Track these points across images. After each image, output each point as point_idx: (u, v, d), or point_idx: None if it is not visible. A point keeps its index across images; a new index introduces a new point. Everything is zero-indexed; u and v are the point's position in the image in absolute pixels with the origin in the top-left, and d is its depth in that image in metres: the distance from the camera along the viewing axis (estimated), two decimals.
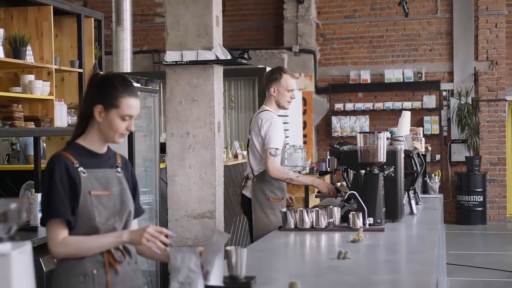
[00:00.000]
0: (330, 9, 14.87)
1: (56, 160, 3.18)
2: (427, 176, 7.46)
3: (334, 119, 14.67)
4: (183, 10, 6.04)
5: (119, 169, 3.35)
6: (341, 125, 14.65)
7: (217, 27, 6.10)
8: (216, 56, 5.93)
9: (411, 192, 5.73)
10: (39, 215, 5.52)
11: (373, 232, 4.66)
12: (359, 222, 4.72)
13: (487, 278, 9.25)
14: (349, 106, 14.60)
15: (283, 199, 5.92)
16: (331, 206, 4.94)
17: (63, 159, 3.18)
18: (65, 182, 3.14)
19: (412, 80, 14.44)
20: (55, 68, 6.28)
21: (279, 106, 5.95)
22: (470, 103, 14.02)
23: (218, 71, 6.16)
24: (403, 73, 14.46)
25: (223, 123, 6.40)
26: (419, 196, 6.29)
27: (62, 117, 6.36)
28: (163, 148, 6.74)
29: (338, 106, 14.66)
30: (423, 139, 7.78)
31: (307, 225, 4.77)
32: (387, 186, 5.03)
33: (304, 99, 14.09)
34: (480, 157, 14.09)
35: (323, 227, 4.76)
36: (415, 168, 5.72)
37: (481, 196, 13.92)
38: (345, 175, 5.50)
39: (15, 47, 5.86)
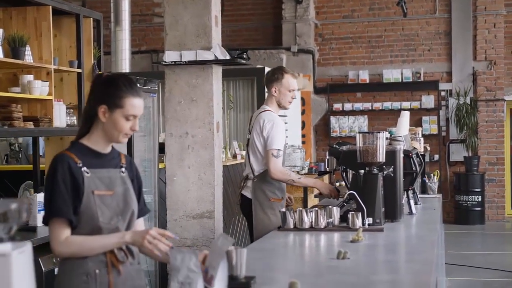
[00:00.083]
0: (329, 9, 14.87)
1: (59, 159, 3.19)
2: (426, 176, 7.46)
3: (332, 119, 14.67)
4: (182, 10, 6.04)
5: (123, 169, 3.35)
6: (340, 125, 14.65)
7: (216, 27, 6.10)
8: (215, 56, 5.93)
9: (410, 192, 5.73)
10: (38, 215, 5.52)
11: (373, 232, 4.66)
12: (359, 222, 4.72)
13: (486, 278, 9.25)
14: (348, 106, 14.60)
15: (283, 199, 5.92)
16: (330, 206, 4.95)
17: (66, 158, 3.19)
18: (68, 181, 3.15)
19: (411, 80, 14.44)
20: (54, 68, 6.28)
21: (280, 106, 5.94)
22: (469, 103, 14.02)
23: (217, 71, 6.16)
24: (401, 73, 14.46)
25: (222, 123, 6.40)
26: (418, 196, 6.29)
27: (61, 117, 6.35)
28: (162, 148, 6.74)
29: (337, 106, 14.67)
30: (422, 139, 7.78)
31: (307, 225, 4.77)
32: (386, 186, 5.03)
33: (302, 99, 14.09)
34: (479, 157, 14.10)
35: (322, 227, 4.76)
36: (414, 168, 5.71)
37: (480, 196, 13.92)
38: (344, 175, 5.50)
39: (14, 47, 5.86)
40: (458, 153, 14.30)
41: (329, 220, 4.81)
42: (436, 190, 7.53)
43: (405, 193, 5.61)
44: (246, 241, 8.72)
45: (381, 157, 4.94)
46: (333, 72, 14.87)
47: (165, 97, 6.13)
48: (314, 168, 11.56)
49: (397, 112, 13.36)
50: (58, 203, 3.14)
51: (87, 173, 3.20)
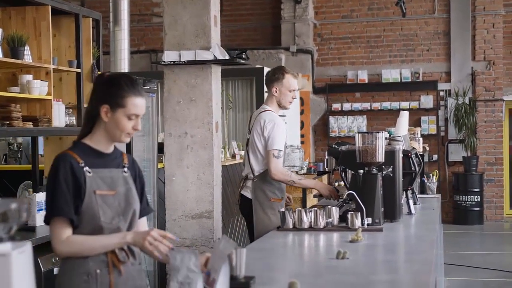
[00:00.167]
0: (328, 9, 14.87)
1: (61, 159, 3.19)
2: (425, 176, 7.46)
3: (331, 119, 14.67)
4: (181, 10, 6.04)
5: (125, 169, 3.35)
6: (339, 125, 14.65)
7: (215, 27, 6.10)
8: (214, 56, 5.93)
9: (409, 192, 5.73)
10: (38, 215, 5.52)
11: (372, 232, 4.66)
12: (358, 222, 4.72)
13: (485, 278, 9.25)
14: (347, 106, 14.60)
15: (282, 199, 5.92)
16: (329, 206, 4.95)
17: (68, 158, 3.19)
18: (69, 181, 3.15)
19: (410, 80, 14.44)
20: (53, 68, 6.27)
21: (280, 106, 5.92)
22: (468, 103, 14.02)
23: (216, 71, 6.16)
24: (400, 73, 14.46)
25: (221, 123, 6.40)
26: (417, 196, 6.29)
27: (60, 117, 6.35)
28: (161, 148, 6.74)
29: (336, 106, 14.67)
30: (421, 139, 7.78)
31: (306, 225, 4.77)
32: (385, 186, 5.03)
33: (301, 99, 14.09)
34: (477, 157, 14.10)
35: (321, 227, 4.76)
36: (413, 168, 5.71)
37: (478, 196, 13.93)
38: (344, 175, 5.50)
39: (13, 47, 5.85)
40: (456, 153, 14.30)
41: (328, 220, 4.81)
42: (435, 190, 7.53)
43: (404, 193, 5.61)
44: (245, 241, 8.72)
45: (380, 157, 4.94)
46: (332, 72, 14.87)
47: (164, 97, 6.13)
48: (313, 168, 11.56)
49: (396, 112, 13.35)
50: (60, 202, 3.14)
51: (89, 172, 3.20)
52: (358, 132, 5.04)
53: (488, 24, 14.27)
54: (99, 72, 6.98)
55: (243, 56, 6.20)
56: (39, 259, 5.03)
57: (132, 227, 3.31)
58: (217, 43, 6.06)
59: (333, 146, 5.84)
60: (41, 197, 5.62)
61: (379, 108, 14.49)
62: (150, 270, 7.24)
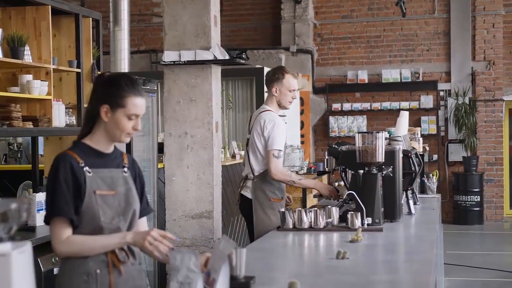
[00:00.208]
0: (328, 9, 14.87)
1: (61, 159, 3.20)
2: (425, 176, 7.46)
3: (331, 119, 14.67)
4: (181, 10, 6.04)
5: (125, 169, 3.36)
6: (339, 125, 14.65)
7: (215, 27, 6.10)
8: (214, 56, 5.93)
9: (409, 192, 5.73)
10: (37, 215, 5.52)
11: (372, 232, 4.66)
12: (358, 222, 4.72)
13: (485, 278, 9.25)
14: (347, 106, 14.60)
15: (282, 199, 5.91)
16: (329, 206, 4.95)
17: (68, 158, 3.19)
18: (69, 181, 3.15)
19: (410, 80, 14.44)
20: (53, 68, 6.27)
21: (281, 106, 5.91)
22: (468, 103, 14.02)
23: (216, 71, 6.16)
24: (400, 73, 14.46)
25: (221, 123, 6.40)
26: (417, 196, 6.29)
27: (60, 117, 6.35)
28: (161, 148, 6.74)
29: (336, 106, 14.67)
30: (421, 139, 7.77)
31: (306, 225, 4.77)
32: (385, 186, 5.02)
33: (301, 99, 14.08)
34: (477, 157, 14.10)
35: (321, 227, 4.76)
36: (413, 168, 5.71)
37: (478, 196, 13.93)
38: (344, 175, 5.50)
39: (13, 47, 5.85)
40: (456, 153, 14.30)
41: (328, 220, 4.81)
42: (435, 190, 7.53)
43: (404, 193, 5.61)
44: (245, 241, 8.72)
45: (380, 157, 4.94)
46: (332, 72, 14.87)
47: (164, 97, 6.13)
48: (312, 168, 11.56)
49: (396, 112, 13.35)
50: (60, 202, 3.14)
51: (89, 172, 3.20)
52: (358, 132, 5.04)
53: (488, 24, 14.27)
54: (99, 72, 6.97)
55: (243, 56, 6.20)
56: (39, 259, 5.03)
57: (132, 227, 3.31)
58: (217, 43, 6.06)
59: (333, 146, 5.84)
60: (41, 197, 5.62)
61: (379, 108, 14.49)
62: (150, 270, 7.24)
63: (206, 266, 2.97)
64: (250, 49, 13.07)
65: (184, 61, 5.95)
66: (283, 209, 5.00)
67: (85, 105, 6.70)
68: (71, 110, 6.62)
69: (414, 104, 14.29)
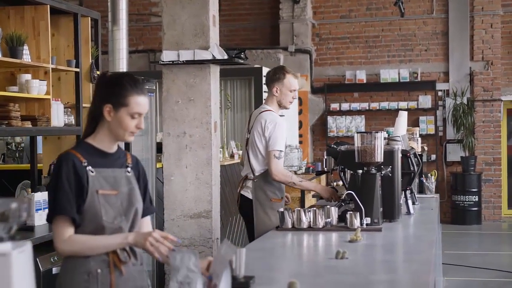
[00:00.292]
0: (326, 9, 14.87)
1: (64, 158, 3.20)
2: (423, 176, 7.47)
3: (330, 119, 14.67)
4: (180, 9, 6.04)
5: (129, 169, 3.36)
6: (337, 125, 14.65)
7: (213, 27, 6.10)
8: (213, 55, 5.93)
9: (408, 192, 5.73)
10: (36, 214, 5.51)
11: (371, 232, 4.66)
12: (357, 222, 4.72)
13: (483, 278, 9.26)
14: (345, 106, 14.61)
15: (282, 199, 5.89)
16: (328, 206, 4.95)
17: (71, 157, 3.20)
18: (72, 180, 3.16)
19: (408, 80, 14.45)
20: (51, 68, 6.27)
21: (281, 106, 5.87)
22: (466, 103, 14.03)
23: (215, 70, 6.16)
24: (398, 73, 14.47)
25: (219, 123, 6.40)
26: (416, 196, 6.29)
27: (59, 116, 6.34)
28: (159, 147, 6.74)
29: (334, 106, 14.67)
30: (419, 139, 7.78)
31: (305, 225, 4.76)
32: (384, 186, 5.02)
33: (300, 99, 14.08)
34: (476, 157, 14.11)
35: (320, 227, 4.76)
36: (412, 168, 5.71)
37: (476, 196, 13.93)
38: (342, 175, 5.50)
39: (12, 46, 5.85)
40: (455, 153, 14.31)
41: (327, 220, 4.81)
42: (434, 190, 7.53)
43: (403, 193, 5.61)
44: (244, 241, 8.72)
45: (379, 157, 4.94)
46: (330, 72, 14.88)
47: (162, 97, 6.13)
48: (311, 168, 11.56)
49: (394, 112, 13.38)
50: (62, 201, 3.15)
51: (92, 172, 3.20)
52: (357, 132, 5.04)
53: (487, 24, 14.27)
54: (98, 72, 6.97)
55: (242, 56, 6.20)
56: (37, 259, 5.02)
57: (134, 226, 3.32)
58: (215, 42, 6.06)
59: (332, 146, 5.83)
60: (39, 196, 5.61)
61: (378, 108, 14.49)
62: (149, 270, 7.24)
63: (208, 270, 2.96)
64: (248, 49, 13.03)
65: (182, 61, 5.95)
66: (282, 209, 4.99)
67: (84, 105, 6.70)
68: (69, 109, 6.62)
69: (413, 104, 14.29)
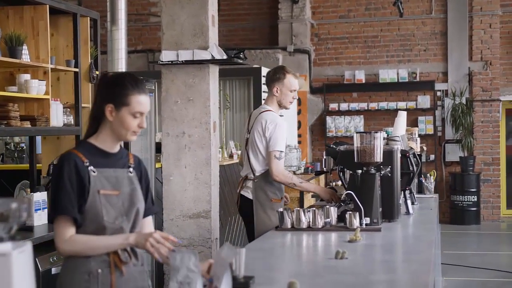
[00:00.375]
0: (325, 9, 14.88)
1: (66, 158, 3.21)
2: (422, 176, 7.47)
3: (328, 119, 14.68)
4: (179, 9, 6.04)
5: (131, 169, 3.36)
6: (336, 125, 14.65)
7: (213, 27, 6.11)
8: (212, 55, 5.93)
9: (407, 192, 5.73)
10: (35, 215, 5.51)
11: (370, 232, 4.66)
12: (356, 222, 4.72)
13: (482, 278, 9.26)
14: (344, 106, 14.61)
15: (282, 199, 5.88)
16: (328, 206, 4.95)
17: (73, 157, 3.20)
18: (73, 180, 3.17)
19: (407, 80, 14.45)
20: (51, 68, 6.26)
21: (281, 106, 5.85)
22: (465, 103, 14.04)
23: (214, 70, 6.16)
24: (397, 73, 14.48)
25: (218, 123, 6.40)
26: (415, 196, 6.29)
27: (58, 116, 6.34)
28: (158, 147, 6.74)
29: (333, 106, 14.67)
30: (418, 139, 7.78)
31: (304, 225, 4.76)
32: (383, 186, 5.03)
33: (298, 99, 14.08)
34: (474, 157, 14.11)
35: (320, 227, 4.76)
36: (411, 168, 5.72)
37: (475, 196, 13.94)
38: (342, 175, 5.49)
39: (11, 46, 5.84)
40: (453, 153, 14.32)
41: (327, 220, 4.81)
42: (433, 190, 7.53)
43: (402, 193, 5.61)
44: (243, 241, 8.72)
45: (378, 157, 4.94)
46: (329, 72, 14.88)
47: (161, 97, 6.13)
48: (310, 168, 11.56)
49: (393, 112, 13.39)
50: (64, 201, 3.15)
51: (94, 172, 3.21)
52: (357, 132, 5.04)
53: (485, 24, 14.28)
54: (97, 72, 6.97)
55: (241, 56, 6.20)
56: (37, 259, 5.02)
57: (135, 226, 3.32)
58: (215, 42, 6.06)
59: (331, 146, 5.83)
60: (38, 197, 5.61)
61: (376, 108, 14.49)
62: (148, 270, 7.23)
63: (209, 273, 2.96)
64: (247, 49, 13.02)
65: (181, 61, 5.95)
66: (281, 209, 4.98)
67: (83, 105, 6.69)
68: (68, 109, 6.61)
69: (411, 104, 14.30)
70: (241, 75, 12.03)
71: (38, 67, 6.18)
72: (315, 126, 14.91)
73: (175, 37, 6.04)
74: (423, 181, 7.40)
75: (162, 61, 6.01)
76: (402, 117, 6.65)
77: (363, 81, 14.61)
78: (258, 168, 5.75)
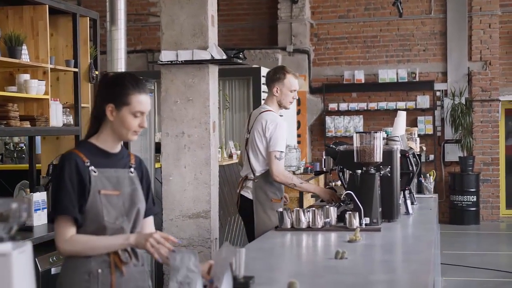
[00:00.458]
0: (324, 9, 14.88)
1: (67, 158, 3.21)
2: (422, 176, 7.47)
3: (328, 119, 14.68)
4: (178, 9, 6.04)
5: (132, 169, 3.37)
6: (335, 125, 14.65)
7: (212, 27, 6.11)
8: (212, 55, 5.93)
9: (406, 192, 5.73)
10: (35, 215, 5.51)
11: (370, 232, 4.66)
12: (356, 222, 4.72)
13: (481, 278, 9.26)
14: (343, 106, 14.61)
15: (282, 199, 5.88)
16: (327, 206, 4.95)
17: (74, 157, 3.21)
18: (74, 180, 3.17)
19: (406, 80, 14.45)
20: (50, 68, 6.26)
21: (281, 106, 5.83)
22: (464, 103, 14.04)
23: (213, 70, 6.16)
24: (397, 73, 14.48)
25: (218, 123, 6.39)
26: (414, 196, 6.29)
27: (58, 116, 6.33)
28: (158, 147, 6.74)
29: (332, 106, 14.67)
30: (417, 139, 7.78)
31: (304, 225, 4.76)
32: (383, 186, 5.03)
33: (298, 99, 14.07)
34: (474, 157, 14.11)
35: (319, 227, 4.76)
36: (411, 168, 5.72)
37: (475, 196, 13.94)
38: (341, 175, 5.49)
39: (11, 46, 5.84)
40: (453, 153, 14.32)
41: (326, 220, 4.81)
42: (432, 190, 7.53)
43: (402, 193, 5.61)
44: (242, 241, 8.72)
45: (378, 157, 4.94)
46: (329, 72, 14.88)
47: (161, 97, 6.13)
48: (309, 168, 11.56)
49: (392, 112, 13.40)
50: (64, 201, 3.16)
51: (95, 172, 3.21)
52: (356, 132, 5.04)
53: (485, 24, 14.28)
54: (96, 72, 6.97)
55: (241, 56, 6.20)
56: (36, 259, 5.02)
57: (136, 227, 3.33)
58: (214, 42, 6.06)
59: (331, 146, 5.83)
60: (38, 197, 5.61)
61: (376, 108, 14.49)
62: (148, 270, 7.23)
63: (209, 274, 2.96)
64: (246, 49, 13.02)
65: (181, 61, 5.95)
66: (281, 209, 4.98)
67: (83, 105, 6.69)
68: (68, 109, 6.61)
69: (411, 104, 14.30)
70: (240, 75, 12.04)
71: (37, 67, 6.18)
72: (314, 126, 14.90)
73: (175, 37, 6.04)
74: (423, 181, 7.40)
75: (161, 61, 6.01)
76: (402, 117, 6.65)
77: (363, 81, 14.62)
78: (258, 168, 5.74)
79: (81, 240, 3.18)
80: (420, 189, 7.39)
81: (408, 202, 5.68)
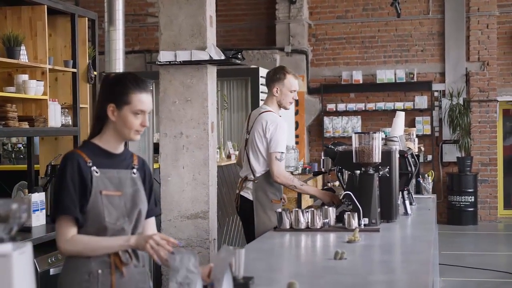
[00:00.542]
0: (322, 10, 14.88)
1: (69, 158, 3.21)
2: (420, 176, 7.47)
3: (326, 120, 14.68)
4: (177, 10, 6.04)
5: (134, 170, 3.37)
6: (333, 126, 14.65)
7: (210, 27, 6.10)
8: (210, 56, 5.93)
9: (405, 193, 5.73)
10: (33, 215, 5.50)
11: (369, 233, 4.66)
12: (355, 223, 4.72)
13: (479, 278, 9.27)
14: (341, 107, 14.61)
15: (281, 200, 5.87)
16: (326, 207, 4.94)
17: (76, 157, 3.21)
18: (76, 180, 3.17)
19: (404, 80, 14.46)
20: (49, 68, 6.26)
21: (281, 106, 5.83)
22: (462, 103, 14.05)
23: (212, 71, 6.16)
24: (395, 74, 14.48)
25: (216, 123, 6.39)
26: (413, 196, 6.29)
27: (56, 117, 6.33)
28: (156, 148, 6.73)
29: (330, 106, 14.67)
30: (416, 139, 7.79)
31: (303, 225, 4.76)
32: (382, 186, 5.03)
33: (296, 100, 14.05)
34: (472, 157, 14.12)
35: (318, 227, 4.76)
36: (409, 169, 5.72)
37: (473, 197, 13.95)
38: (340, 176, 5.49)
39: (9, 47, 5.84)
40: (451, 153, 14.33)
41: (325, 220, 4.81)
42: (431, 190, 7.54)
43: (400, 193, 5.61)
44: (241, 241, 8.71)
45: (376, 157, 4.94)
46: (327, 72, 14.88)
47: (159, 97, 6.13)
48: (307, 168, 11.56)
49: (390, 113, 13.42)
50: (66, 201, 3.16)
51: (97, 172, 3.21)
52: (355, 133, 5.04)
53: (482, 25, 14.29)
54: (95, 72, 6.97)
55: (239, 56, 6.20)
56: (35, 260, 5.01)
57: (137, 228, 3.33)
58: (212, 43, 6.05)
59: (329, 146, 5.82)
60: (36, 197, 5.60)
61: (374, 108, 14.50)
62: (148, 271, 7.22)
63: (209, 277, 2.96)
64: (244, 49, 13.08)
65: (179, 61, 5.94)
66: (280, 210, 4.98)
67: (81, 105, 6.69)
68: (66, 110, 6.61)
69: (409, 105, 14.31)
70: (238, 76, 12.03)
71: (36, 68, 6.18)
72: (312, 127, 14.91)
73: (173, 37, 6.04)
74: (421, 181, 7.40)
75: (160, 62, 6.01)
76: (400, 117, 6.65)
77: (361, 82, 14.62)
78: (259, 169, 5.73)
79: (82, 240, 3.18)
80: (419, 190, 7.39)
81: (407, 202, 5.68)
